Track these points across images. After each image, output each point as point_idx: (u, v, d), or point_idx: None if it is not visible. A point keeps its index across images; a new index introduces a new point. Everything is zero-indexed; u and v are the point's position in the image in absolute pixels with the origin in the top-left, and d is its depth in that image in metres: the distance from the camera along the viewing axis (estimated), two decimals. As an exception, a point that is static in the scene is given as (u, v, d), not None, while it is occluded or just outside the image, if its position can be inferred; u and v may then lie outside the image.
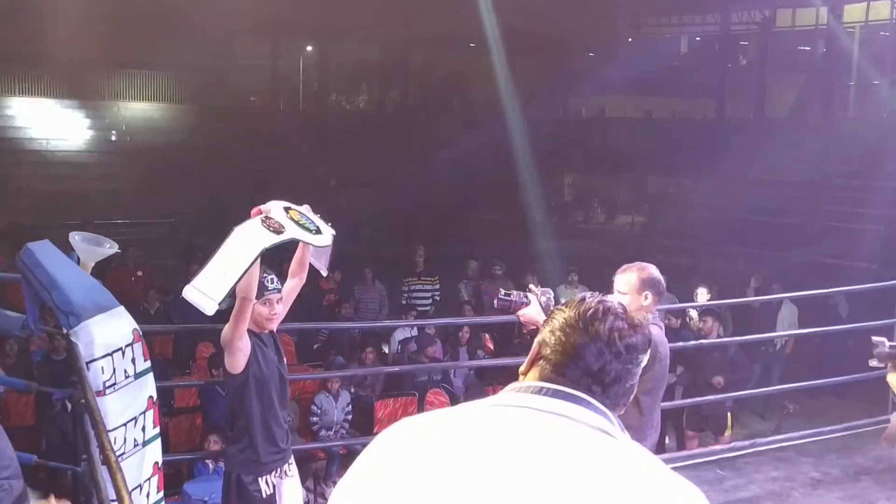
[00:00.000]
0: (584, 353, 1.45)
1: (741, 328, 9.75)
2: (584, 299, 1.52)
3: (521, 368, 1.53)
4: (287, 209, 3.70)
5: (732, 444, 5.85)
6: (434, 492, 1.33)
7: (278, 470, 3.86)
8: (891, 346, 3.44)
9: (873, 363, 3.54)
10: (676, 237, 16.13)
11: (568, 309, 1.51)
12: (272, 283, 3.79)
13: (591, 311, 1.48)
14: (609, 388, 1.45)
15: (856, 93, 22.23)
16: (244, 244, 3.34)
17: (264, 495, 3.77)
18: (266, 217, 3.49)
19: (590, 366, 1.44)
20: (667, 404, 7.75)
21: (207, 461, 6.21)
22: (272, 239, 3.43)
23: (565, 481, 1.31)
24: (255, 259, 3.34)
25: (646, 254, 14.01)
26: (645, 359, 1.50)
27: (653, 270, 3.70)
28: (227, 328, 3.66)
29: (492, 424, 1.40)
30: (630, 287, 3.62)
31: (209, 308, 3.21)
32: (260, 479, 3.77)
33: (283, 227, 3.53)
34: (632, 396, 1.50)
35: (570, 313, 1.49)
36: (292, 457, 4.02)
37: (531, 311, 3.50)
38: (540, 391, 1.43)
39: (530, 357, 1.52)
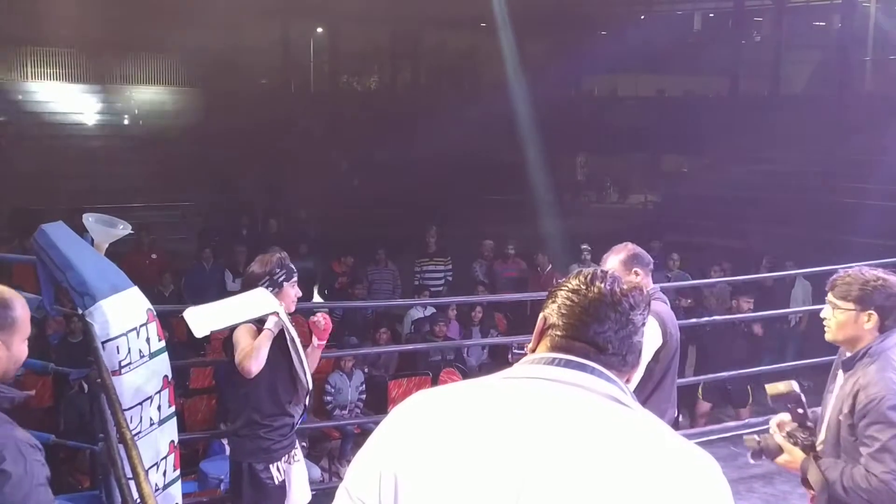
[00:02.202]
0: (590, 313, 1.48)
1: (756, 306, 9.74)
2: (581, 270, 1.57)
3: (529, 346, 1.56)
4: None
5: (746, 420, 5.85)
6: (450, 461, 1.36)
7: (287, 456, 3.86)
8: (759, 441, 3.08)
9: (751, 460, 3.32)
10: (690, 216, 16.06)
11: (568, 281, 1.55)
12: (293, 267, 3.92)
13: (590, 275, 1.53)
14: (618, 345, 1.47)
15: (872, 68, 21.96)
16: (254, 304, 3.68)
17: (276, 482, 3.77)
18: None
19: (596, 325, 1.47)
20: (681, 381, 7.77)
21: (224, 440, 6.25)
22: (273, 308, 3.71)
23: (579, 449, 1.34)
24: (251, 319, 3.67)
25: (659, 233, 14.04)
26: (647, 315, 1.53)
27: (634, 247, 3.76)
28: (245, 359, 3.63)
29: (506, 395, 1.43)
30: (618, 268, 3.66)
31: (198, 333, 3.61)
32: (271, 466, 3.77)
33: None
34: (641, 357, 1.52)
35: (571, 283, 1.54)
36: (298, 441, 4.03)
37: None
38: (552, 361, 1.46)
39: (536, 332, 1.55)
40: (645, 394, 3.64)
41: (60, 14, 17.61)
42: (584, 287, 1.51)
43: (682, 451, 1.39)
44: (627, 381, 1.50)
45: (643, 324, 1.52)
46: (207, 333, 3.63)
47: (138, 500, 2.41)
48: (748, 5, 24.06)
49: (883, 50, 21.26)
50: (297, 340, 3.81)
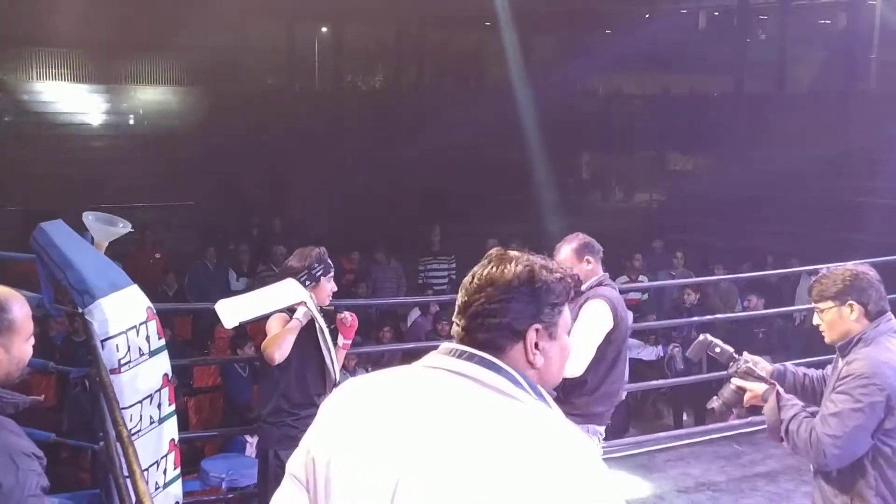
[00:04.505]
0: (467, 297, 1.54)
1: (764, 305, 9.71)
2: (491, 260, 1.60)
3: None
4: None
5: (750, 419, 5.82)
6: (350, 445, 1.45)
7: None
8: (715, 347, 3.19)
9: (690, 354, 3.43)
10: (695, 214, 16.00)
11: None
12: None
13: (482, 262, 1.58)
14: (486, 328, 1.50)
15: (877, 66, 21.86)
16: (282, 294, 3.78)
17: None
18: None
19: (469, 308, 1.52)
20: (678, 380, 7.76)
21: (246, 437, 6.25)
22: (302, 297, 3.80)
23: (451, 442, 1.38)
24: (281, 308, 3.76)
25: (664, 231, 14.03)
26: (522, 298, 1.52)
27: (585, 237, 4.02)
28: (269, 346, 3.72)
29: (411, 384, 1.51)
30: (569, 258, 3.87)
31: (228, 324, 3.74)
32: None
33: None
34: (517, 336, 1.52)
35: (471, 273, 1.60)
36: None
37: None
38: (450, 352, 1.51)
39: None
40: (599, 375, 3.84)
41: (66, 14, 17.63)
42: (468, 276, 1.57)
43: (559, 442, 1.39)
44: (532, 365, 1.51)
45: (510, 302, 1.51)
46: (237, 325, 3.76)
47: (135, 499, 2.39)
48: (753, 3, 23.96)
49: (889, 48, 21.15)
50: (327, 332, 3.87)
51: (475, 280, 1.54)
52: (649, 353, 8.51)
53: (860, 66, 20.93)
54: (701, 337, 3.28)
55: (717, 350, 3.18)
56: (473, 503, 1.32)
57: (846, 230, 12.70)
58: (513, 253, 1.57)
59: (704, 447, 5.71)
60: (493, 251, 1.60)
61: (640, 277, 9.89)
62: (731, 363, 3.12)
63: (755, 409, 3.17)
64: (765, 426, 3.13)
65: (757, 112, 19.08)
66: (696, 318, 7.06)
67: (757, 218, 14.66)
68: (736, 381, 3.07)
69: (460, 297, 1.56)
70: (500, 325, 1.50)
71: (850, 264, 3.04)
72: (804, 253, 10.27)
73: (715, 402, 3.13)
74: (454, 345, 1.52)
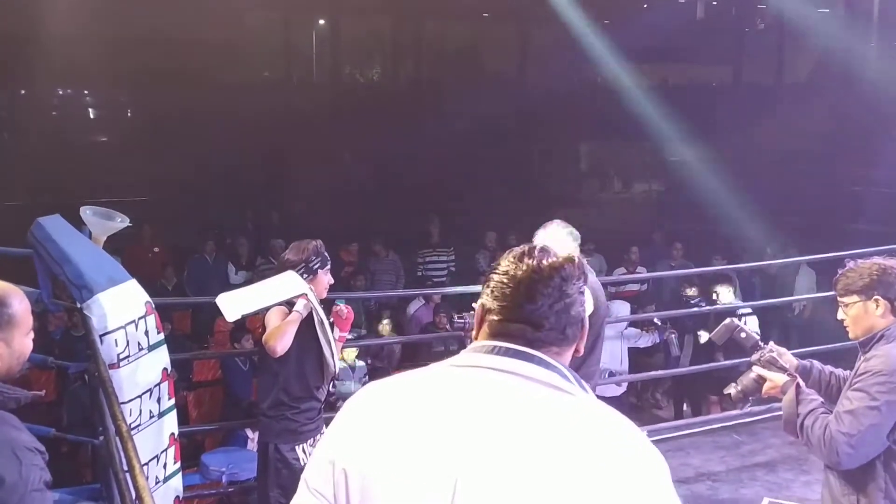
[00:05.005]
0: (520, 292, 1.46)
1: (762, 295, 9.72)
2: (512, 250, 1.54)
3: (472, 334, 1.55)
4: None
5: (749, 409, 5.83)
6: (394, 453, 1.36)
7: (313, 440, 3.91)
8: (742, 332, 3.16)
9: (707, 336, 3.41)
10: (694, 205, 15.98)
11: (499, 264, 1.53)
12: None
13: (519, 254, 1.50)
14: (554, 320, 1.46)
15: (876, 55, 21.80)
16: (282, 286, 3.78)
17: (302, 463, 3.83)
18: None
19: (529, 303, 1.45)
20: (681, 370, 7.77)
21: (247, 432, 6.26)
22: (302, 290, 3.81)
23: (511, 440, 1.33)
24: (282, 301, 3.78)
25: (663, 222, 13.98)
26: (583, 286, 1.51)
27: (560, 222, 4.14)
28: (271, 338, 3.72)
29: (448, 385, 1.43)
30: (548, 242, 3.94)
31: (230, 317, 3.72)
32: (297, 447, 3.83)
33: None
34: (583, 327, 1.51)
35: (502, 265, 1.51)
36: (325, 426, 4.07)
37: None
38: (492, 350, 1.44)
39: (476, 321, 1.54)
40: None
41: (58, 7, 17.53)
42: (513, 267, 1.48)
43: (622, 439, 1.37)
44: (577, 352, 1.50)
45: (580, 293, 1.50)
46: (239, 318, 3.75)
47: (134, 494, 2.40)
48: (751, -7, 23.88)
49: (887, 35, 21.10)
50: (326, 323, 3.88)
51: (516, 276, 1.47)
52: (646, 340, 8.53)
53: (859, 55, 20.88)
54: (727, 320, 3.23)
55: (743, 336, 3.13)
56: (544, 499, 1.28)
57: (845, 219, 12.70)
58: (537, 247, 1.53)
59: (704, 437, 5.72)
60: (520, 249, 1.53)
61: (639, 269, 9.89)
62: (755, 350, 3.07)
63: (759, 398, 3.14)
64: (765, 416, 3.13)
65: (756, 101, 19.05)
66: (694, 310, 7.05)
67: (754, 208, 14.63)
68: (757, 370, 3.01)
69: (496, 295, 1.48)
70: (557, 321, 1.46)
71: (877, 257, 2.95)
72: (803, 242, 10.27)
73: (732, 389, 3.09)
74: (492, 342, 1.45)
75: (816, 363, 3.19)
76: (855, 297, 2.86)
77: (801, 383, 2.92)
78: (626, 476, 1.30)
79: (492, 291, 1.49)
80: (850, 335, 2.95)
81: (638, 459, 1.34)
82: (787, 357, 3.05)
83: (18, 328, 2.22)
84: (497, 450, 1.32)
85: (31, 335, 2.29)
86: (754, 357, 3.07)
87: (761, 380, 3.00)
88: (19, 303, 2.24)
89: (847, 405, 2.74)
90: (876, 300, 2.82)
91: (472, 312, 3.81)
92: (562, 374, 1.42)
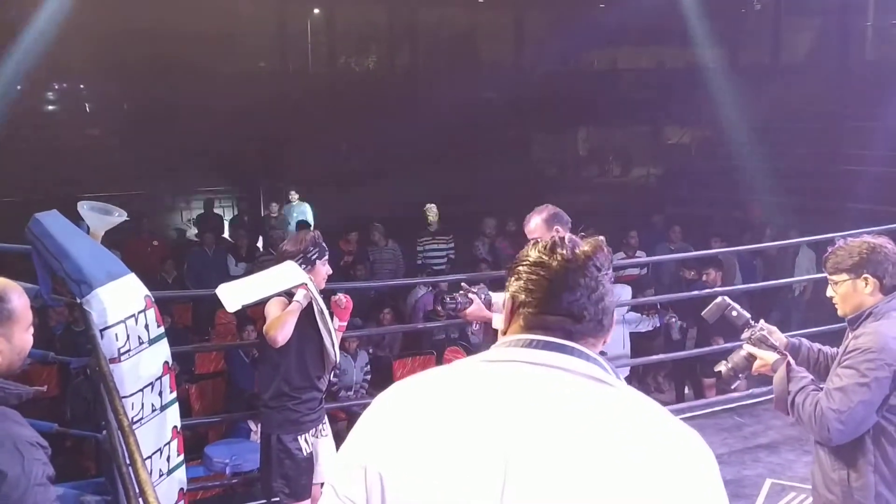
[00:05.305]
0: (558, 283, 1.42)
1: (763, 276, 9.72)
2: (537, 241, 1.51)
3: (501, 328, 1.50)
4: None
5: (750, 391, 5.84)
6: (434, 453, 1.32)
7: (315, 430, 3.92)
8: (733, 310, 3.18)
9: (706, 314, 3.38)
10: (692, 188, 15.98)
11: (527, 255, 1.49)
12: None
13: (549, 244, 1.47)
14: (593, 311, 1.42)
15: (873, 34, 21.72)
16: (282, 277, 3.80)
17: (304, 454, 3.85)
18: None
19: (568, 294, 1.42)
20: (682, 354, 7.78)
21: (250, 423, 6.27)
22: (302, 280, 3.83)
23: (560, 434, 1.30)
24: (281, 291, 3.80)
25: (662, 205, 13.96)
26: (612, 275, 1.48)
27: (553, 207, 4.14)
28: (272, 328, 3.74)
29: (486, 380, 1.38)
30: (539, 228, 4.00)
31: (230, 308, 3.73)
32: (299, 437, 3.85)
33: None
34: (613, 315, 1.47)
35: (531, 255, 1.47)
36: (326, 416, 4.08)
37: (474, 309, 3.83)
38: (530, 343, 1.40)
39: (507, 313, 1.49)
40: None
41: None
42: (546, 257, 1.44)
43: (668, 430, 1.35)
44: (604, 342, 1.46)
45: (611, 282, 1.47)
46: (239, 308, 3.77)
47: (137, 488, 2.40)
48: (748, -27, 23.76)
49: (884, 15, 21.03)
50: (326, 313, 3.89)
51: (551, 267, 1.43)
52: (646, 324, 8.53)
53: (855, 36, 20.81)
54: (719, 298, 3.25)
55: (734, 314, 3.16)
56: (599, 492, 1.27)
57: (842, 199, 12.69)
58: (565, 236, 1.49)
59: (706, 420, 5.73)
60: (548, 240, 1.48)
61: (638, 253, 9.88)
62: (746, 329, 3.11)
63: (760, 380, 3.15)
64: (766, 398, 3.14)
65: (752, 83, 18.99)
66: (695, 293, 7.05)
67: (753, 190, 14.63)
68: (748, 348, 3.05)
69: (530, 287, 1.44)
70: (595, 312, 1.42)
71: (867, 236, 2.96)
72: (802, 223, 10.26)
73: (723, 366, 3.12)
74: (529, 335, 1.41)
75: (805, 341, 3.23)
76: (844, 276, 2.88)
77: (792, 361, 2.96)
78: (676, 467, 1.29)
79: (525, 284, 1.45)
80: (840, 313, 2.97)
81: (688, 451, 1.33)
82: (778, 335, 3.09)
83: (18, 324, 2.23)
84: (547, 445, 1.29)
85: (31, 330, 2.29)
86: (745, 335, 3.10)
87: (752, 358, 3.04)
88: (18, 298, 2.24)
89: (837, 382, 2.77)
90: (865, 278, 2.85)
91: (462, 293, 3.85)
92: (601, 365, 1.39)
